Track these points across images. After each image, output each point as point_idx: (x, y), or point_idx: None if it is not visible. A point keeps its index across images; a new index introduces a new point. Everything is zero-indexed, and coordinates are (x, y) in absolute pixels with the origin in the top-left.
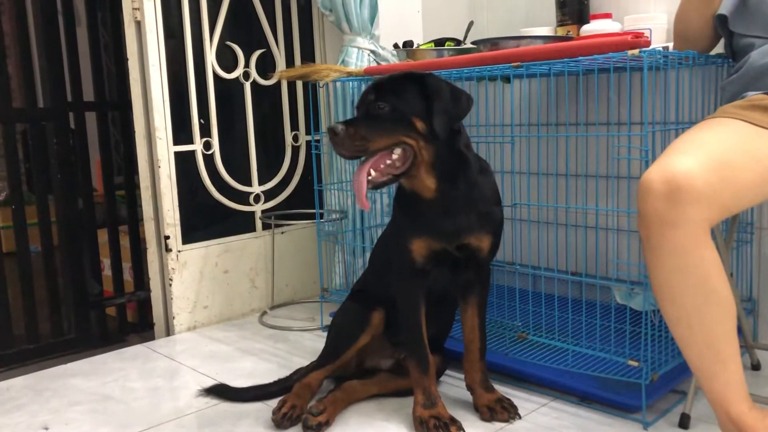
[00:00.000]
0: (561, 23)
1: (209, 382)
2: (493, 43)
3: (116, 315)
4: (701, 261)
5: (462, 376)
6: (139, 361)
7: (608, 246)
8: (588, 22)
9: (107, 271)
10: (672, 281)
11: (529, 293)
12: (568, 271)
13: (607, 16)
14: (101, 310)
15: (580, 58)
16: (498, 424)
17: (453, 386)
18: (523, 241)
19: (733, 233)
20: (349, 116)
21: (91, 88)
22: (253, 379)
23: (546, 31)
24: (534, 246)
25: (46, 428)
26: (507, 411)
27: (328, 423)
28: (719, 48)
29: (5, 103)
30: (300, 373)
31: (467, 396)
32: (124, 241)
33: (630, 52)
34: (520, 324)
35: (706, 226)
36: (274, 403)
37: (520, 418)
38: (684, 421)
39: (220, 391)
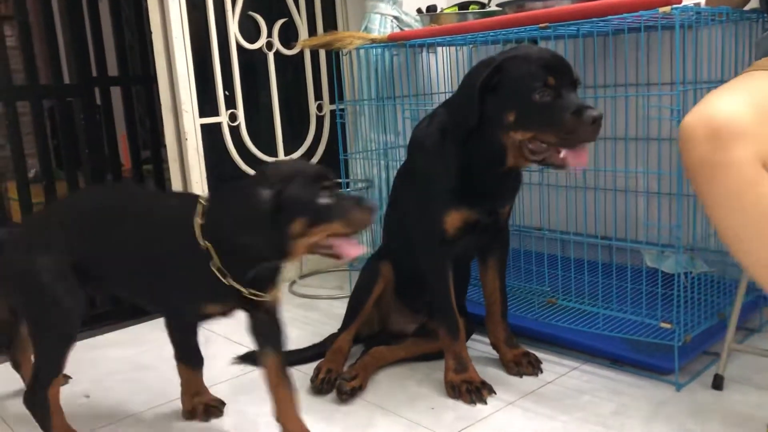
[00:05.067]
0: None
1: (242, 350)
2: (519, 4)
3: None
4: (758, 198)
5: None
6: None
7: (638, 209)
8: None
9: None
10: (735, 226)
11: (558, 258)
12: (598, 236)
13: None
14: None
15: (610, 17)
16: (528, 387)
17: (476, 350)
18: (551, 205)
19: None
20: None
21: (114, 63)
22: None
23: None
24: (562, 210)
25: (87, 396)
26: (532, 365)
27: (361, 387)
28: (754, 3)
29: (32, 80)
30: (330, 340)
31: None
32: None
33: (662, 9)
34: (549, 289)
35: (757, 162)
36: (306, 369)
37: (542, 372)
38: (717, 382)
39: (254, 359)
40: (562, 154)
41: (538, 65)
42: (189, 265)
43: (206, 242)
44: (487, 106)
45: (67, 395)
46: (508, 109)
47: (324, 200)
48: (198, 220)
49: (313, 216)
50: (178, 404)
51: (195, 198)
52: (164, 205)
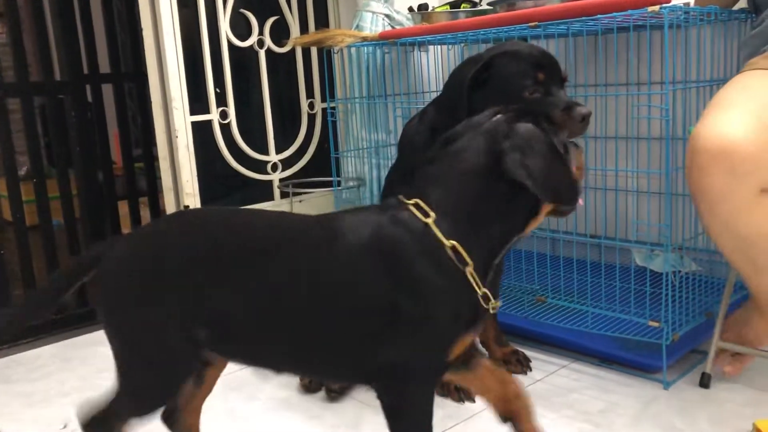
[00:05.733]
0: None
1: None
2: (509, 3)
3: None
4: (755, 225)
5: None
6: None
7: (628, 208)
8: None
9: None
10: (730, 247)
11: (548, 257)
12: (587, 234)
13: None
14: None
15: (599, 16)
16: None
17: None
18: None
19: None
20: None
21: (106, 60)
22: None
23: None
24: None
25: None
26: (521, 363)
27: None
28: (742, 3)
29: (23, 77)
30: None
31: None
32: (145, 213)
33: (650, 8)
34: (538, 287)
35: (759, 191)
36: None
37: (530, 370)
38: (705, 380)
39: None
40: None
41: (528, 62)
42: (437, 285)
43: (452, 241)
44: (475, 102)
45: (55, 394)
46: (495, 105)
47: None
48: (431, 219)
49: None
50: None
51: (378, 208)
52: (350, 227)
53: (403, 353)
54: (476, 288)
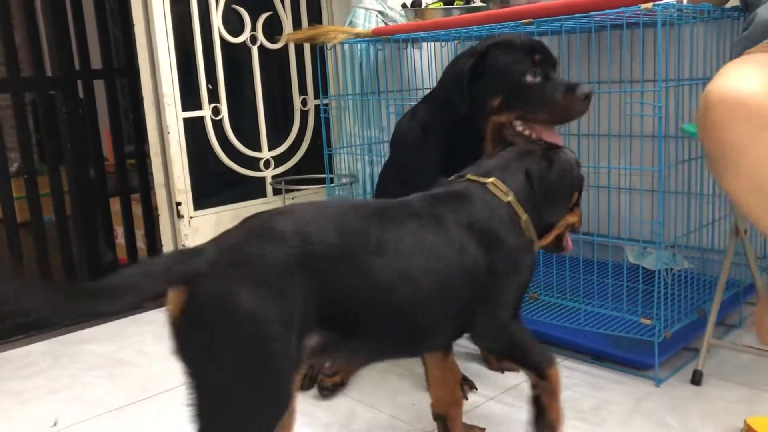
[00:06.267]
0: None
1: None
2: (502, 0)
3: None
4: None
5: None
6: (155, 326)
7: (621, 205)
8: None
9: (120, 239)
10: (755, 205)
11: (540, 254)
12: (580, 232)
13: None
14: None
15: (592, 13)
16: (509, 383)
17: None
18: None
19: None
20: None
21: (98, 56)
22: None
23: None
24: None
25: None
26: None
27: (343, 384)
28: (735, 1)
29: (14, 73)
30: None
31: (475, 350)
32: (137, 209)
33: (643, 6)
34: (531, 285)
35: None
36: None
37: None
38: (696, 377)
39: None
40: (536, 135)
41: (522, 49)
42: (519, 247)
43: (526, 215)
44: (474, 94)
45: (45, 392)
46: (494, 94)
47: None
48: (511, 197)
49: None
50: (157, 400)
51: (465, 186)
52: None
53: (502, 300)
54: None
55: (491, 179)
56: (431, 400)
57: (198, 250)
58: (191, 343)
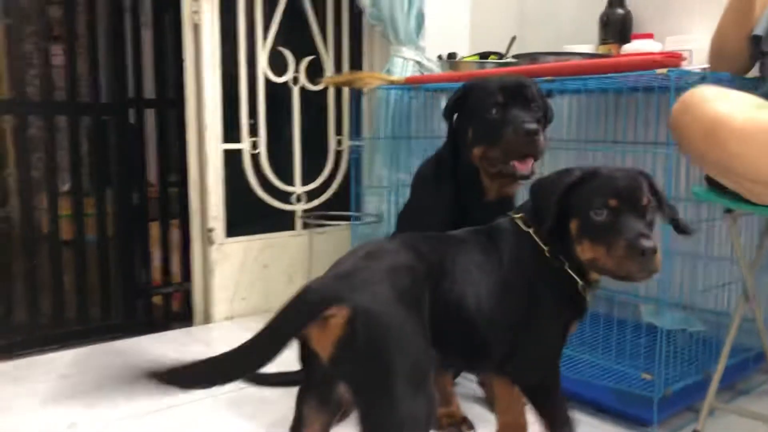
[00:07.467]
0: (603, 42)
1: None
2: (532, 57)
3: (162, 304)
4: None
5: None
6: (177, 344)
7: None
8: (630, 42)
9: (156, 262)
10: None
11: None
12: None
13: (649, 36)
14: (148, 299)
15: (612, 75)
16: None
17: (464, 386)
18: None
19: (760, 256)
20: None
21: (152, 86)
22: (282, 368)
23: (588, 48)
24: None
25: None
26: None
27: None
28: (755, 71)
29: (72, 97)
30: None
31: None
32: (175, 235)
33: (659, 71)
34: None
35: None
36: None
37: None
38: None
39: (249, 377)
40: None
41: (494, 86)
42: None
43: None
44: (456, 124)
45: (65, 397)
46: (469, 126)
47: None
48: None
49: None
50: (177, 410)
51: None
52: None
53: (539, 335)
54: (576, 278)
55: (520, 215)
56: (497, 427)
57: (344, 274)
58: (359, 355)
